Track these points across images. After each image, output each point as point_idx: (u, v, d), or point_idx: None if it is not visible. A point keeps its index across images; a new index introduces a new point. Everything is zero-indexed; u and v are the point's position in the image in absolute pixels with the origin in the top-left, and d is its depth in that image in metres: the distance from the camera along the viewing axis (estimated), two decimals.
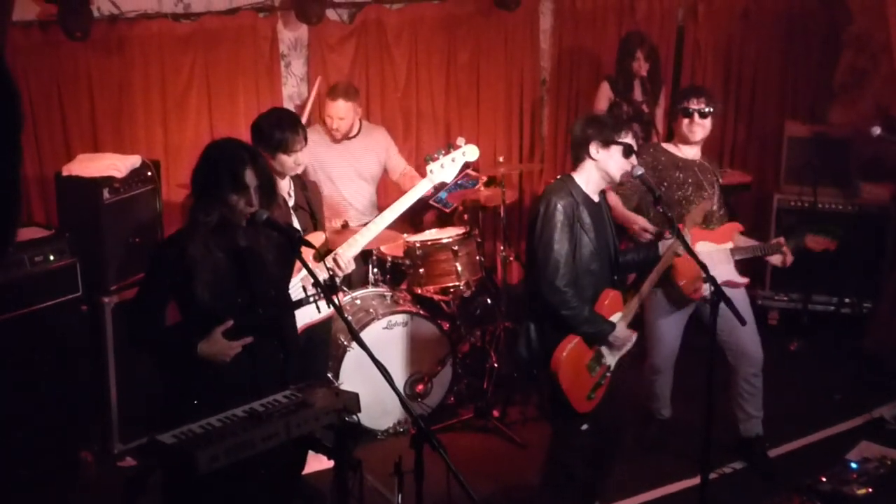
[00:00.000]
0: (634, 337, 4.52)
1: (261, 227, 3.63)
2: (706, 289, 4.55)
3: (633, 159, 4.34)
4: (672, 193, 5.15)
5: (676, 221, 4.59)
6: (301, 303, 4.03)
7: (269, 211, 3.65)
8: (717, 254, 5.16)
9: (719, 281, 4.39)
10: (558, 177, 4.60)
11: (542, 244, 4.27)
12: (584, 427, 4.46)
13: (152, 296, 3.72)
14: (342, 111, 6.08)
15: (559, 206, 4.25)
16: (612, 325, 4.36)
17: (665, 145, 5.44)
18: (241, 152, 3.67)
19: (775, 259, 5.33)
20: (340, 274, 4.85)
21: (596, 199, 4.41)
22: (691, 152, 5.33)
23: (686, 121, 5.27)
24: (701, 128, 5.27)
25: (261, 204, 3.63)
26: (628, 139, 4.34)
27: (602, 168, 4.33)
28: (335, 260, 4.79)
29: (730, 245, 5.27)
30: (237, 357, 3.63)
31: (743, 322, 4.31)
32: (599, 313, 4.35)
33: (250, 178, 3.60)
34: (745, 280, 5.32)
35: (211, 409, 3.39)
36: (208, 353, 3.59)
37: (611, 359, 4.47)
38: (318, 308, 4.23)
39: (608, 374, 4.47)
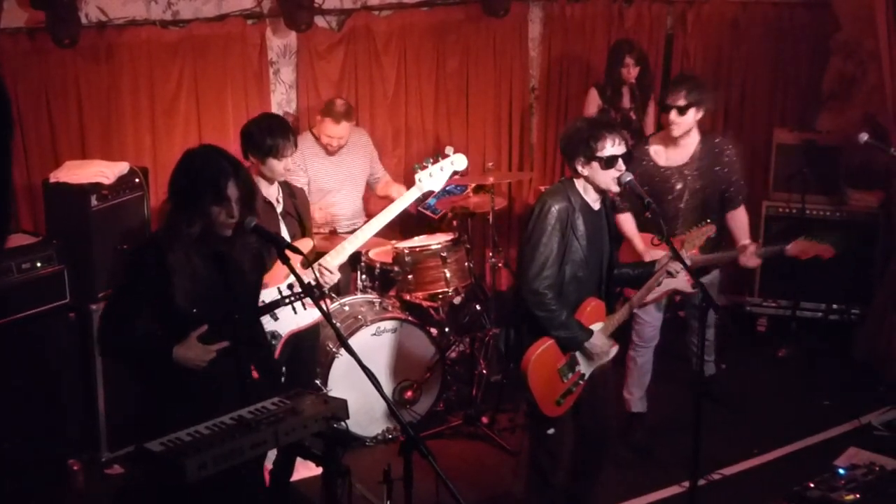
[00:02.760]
0: (614, 350, 4.49)
1: (240, 235, 3.60)
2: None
3: (620, 165, 4.22)
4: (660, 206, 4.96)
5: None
6: (277, 304, 4.00)
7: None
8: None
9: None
10: (562, 178, 4.51)
11: (530, 245, 4.27)
12: (550, 431, 4.44)
13: (129, 303, 3.62)
14: (344, 131, 6.11)
15: (553, 210, 4.23)
16: (589, 334, 4.33)
17: (653, 149, 5.30)
18: (224, 164, 3.57)
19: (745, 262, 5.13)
20: (328, 281, 4.85)
21: (596, 206, 4.36)
22: (678, 154, 5.22)
23: (665, 117, 5.13)
24: (677, 126, 5.10)
25: (241, 215, 3.56)
26: (608, 150, 4.20)
27: (592, 182, 4.29)
28: (323, 267, 4.79)
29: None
30: (217, 363, 3.59)
31: (732, 330, 4.31)
32: (578, 320, 4.33)
33: (232, 190, 3.52)
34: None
35: (194, 417, 3.36)
36: (184, 357, 3.53)
37: (585, 367, 4.43)
38: (293, 309, 4.23)
39: (581, 382, 4.43)
